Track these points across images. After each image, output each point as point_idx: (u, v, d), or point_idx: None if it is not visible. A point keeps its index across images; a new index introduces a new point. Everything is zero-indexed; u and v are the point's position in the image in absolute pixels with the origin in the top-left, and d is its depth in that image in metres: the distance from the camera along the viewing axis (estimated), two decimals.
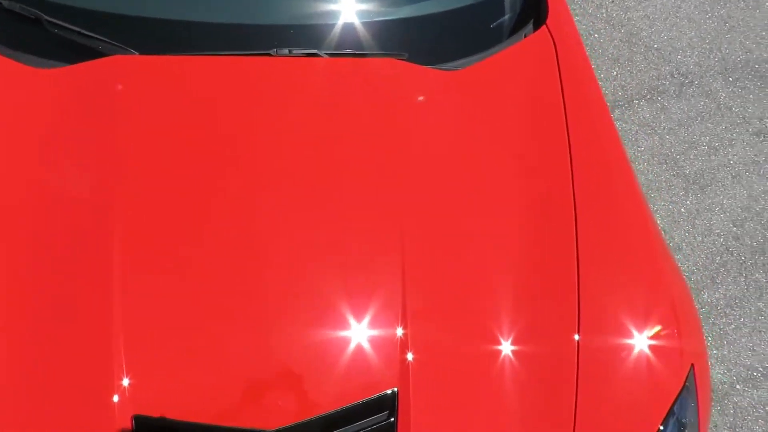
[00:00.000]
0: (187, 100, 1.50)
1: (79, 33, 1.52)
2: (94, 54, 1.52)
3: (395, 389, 1.24)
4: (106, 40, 1.52)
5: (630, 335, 1.32)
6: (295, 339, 1.28)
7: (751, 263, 2.42)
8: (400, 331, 1.29)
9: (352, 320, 1.30)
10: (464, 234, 1.40)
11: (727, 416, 2.13)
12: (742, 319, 2.30)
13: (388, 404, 1.25)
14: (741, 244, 2.45)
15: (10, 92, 1.50)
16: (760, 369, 2.23)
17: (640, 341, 1.32)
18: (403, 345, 1.28)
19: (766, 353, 2.25)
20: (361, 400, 1.24)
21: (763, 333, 2.29)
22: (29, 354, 1.25)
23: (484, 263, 1.38)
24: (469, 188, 1.45)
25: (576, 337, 1.30)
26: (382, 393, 1.24)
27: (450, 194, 1.44)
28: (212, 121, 1.47)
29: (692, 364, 1.32)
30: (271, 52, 1.54)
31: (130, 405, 1.22)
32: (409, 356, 1.27)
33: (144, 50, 1.54)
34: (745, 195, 2.54)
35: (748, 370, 2.21)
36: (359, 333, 1.29)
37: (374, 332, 1.29)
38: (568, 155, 1.47)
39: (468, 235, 1.40)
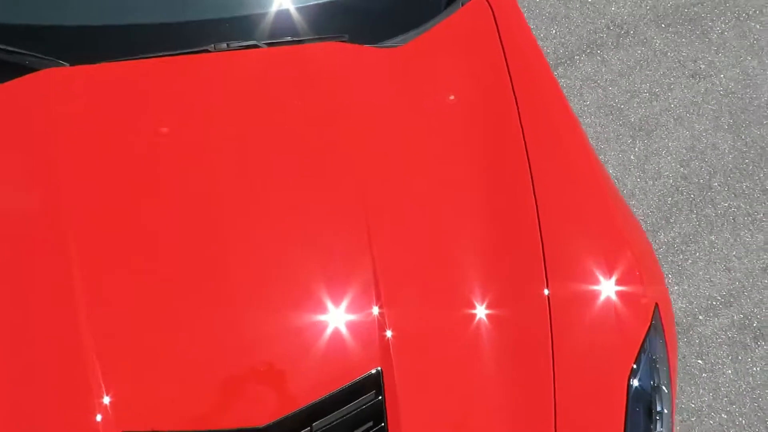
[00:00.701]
0: (129, 106, 1.48)
1: (3, 50, 1.47)
2: (20, 71, 1.46)
3: (379, 368, 1.27)
4: (33, 54, 1.47)
5: (595, 282, 1.39)
6: (271, 329, 1.29)
7: (701, 200, 2.54)
8: (376, 311, 1.31)
9: (325, 304, 1.32)
10: (425, 206, 1.44)
11: (693, 346, 2.26)
12: (697, 254, 2.43)
13: (373, 384, 1.28)
14: (689, 183, 2.57)
15: None
16: (719, 298, 2.36)
17: (606, 287, 1.39)
18: (381, 324, 1.30)
19: (722, 282, 2.39)
20: (346, 384, 1.26)
21: (717, 264, 2.42)
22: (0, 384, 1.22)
23: (449, 231, 1.42)
24: (424, 160, 1.49)
25: (546, 291, 1.37)
26: (367, 374, 1.27)
27: (406, 168, 1.48)
28: (157, 123, 1.45)
29: (656, 303, 1.40)
30: (209, 48, 1.51)
31: (115, 423, 1.20)
32: (389, 333, 1.30)
33: (75, 61, 1.48)
34: (688, 135, 2.66)
35: (707, 300, 2.35)
36: (335, 316, 1.31)
37: (350, 315, 1.32)
38: (518, 117, 1.52)
39: (429, 205, 1.44)
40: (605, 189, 1.51)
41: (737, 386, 2.23)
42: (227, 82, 1.52)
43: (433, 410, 1.28)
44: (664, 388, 1.35)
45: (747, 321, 2.34)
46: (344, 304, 1.32)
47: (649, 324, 1.37)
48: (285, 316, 1.30)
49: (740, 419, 2.19)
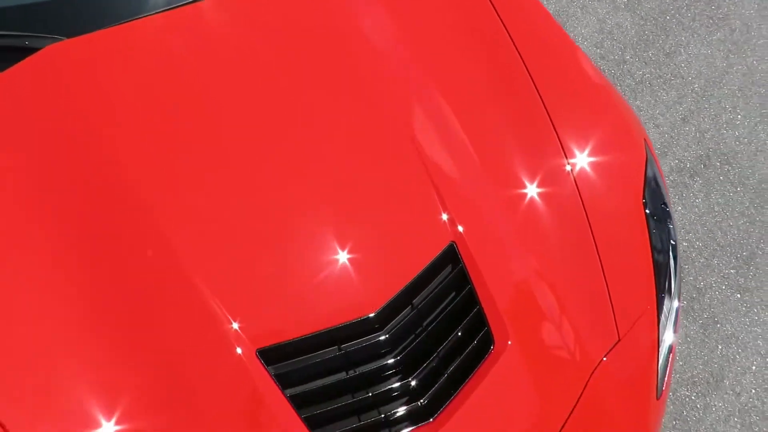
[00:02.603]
0: (146, 64, 1.51)
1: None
2: (16, 54, 1.46)
3: (452, 242, 1.44)
4: (28, 34, 1.47)
5: (601, 144, 1.63)
6: (353, 229, 1.40)
7: (620, 73, 2.89)
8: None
9: (394, 208, 1.46)
10: (448, 109, 1.61)
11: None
12: None
13: (452, 258, 1.45)
14: (607, 61, 2.91)
15: None
16: (656, 151, 2.73)
17: (608, 145, 1.65)
18: (444, 205, 1.46)
19: (654, 138, 2.75)
20: (429, 262, 1.41)
21: (648, 123, 2.79)
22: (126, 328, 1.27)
23: (479, 126, 1.60)
24: (434, 70, 1.64)
25: (565, 161, 1.59)
26: (446, 248, 1.44)
27: (419, 79, 1.62)
28: (176, 77, 1.50)
29: (644, 138, 1.70)
30: None
31: (250, 344, 1.27)
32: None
33: (69, 33, 1.47)
34: (595, 21, 2.99)
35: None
36: (406, 217, 1.46)
37: (417, 215, 1.47)
38: (499, 20, 1.73)
39: (452, 107, 1.61)
40: (589, 68, 1.74)
41: (688, 218, 2.62)
42: (236, 25, 1.58)
43: (508, 270, 1.48)
44: (668, 209, 1.66)
45: (681, 164, 2.73)
46: (409, 207, 1.47)
47: (645, 157, 1.67)
48: (360, 216, 1.43)
49: (697, 243, 2.58)
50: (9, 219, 1.37)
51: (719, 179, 2.72)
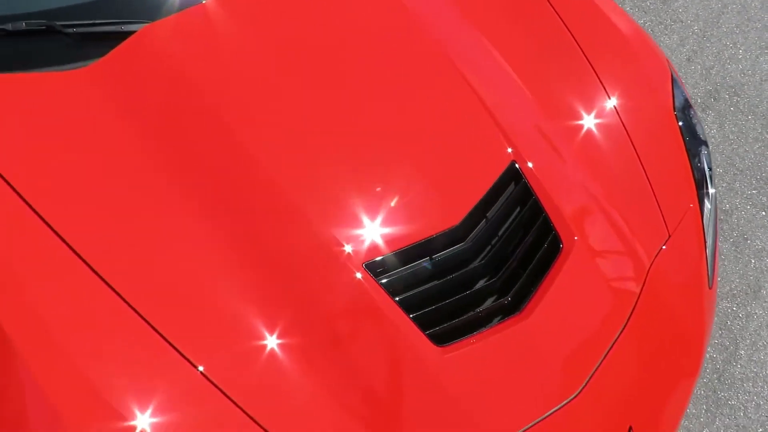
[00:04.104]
0: (234, 36, 1.65)
1: (93, 24, 1.58)
2: (110, 41, 1.58)
3: (513, 161, 1.59)
4: (123, 20, 1.59)
5: (632, 67, 1.81)
6: (427, 155, 1.56)
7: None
8: (503, 141, 1.60)
9: (458, 136, 1.61)
10: (495, 52, 1.78)
11: None
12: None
13: (514, 175, 1.60)
14: None
15: (52, 98, 1.53)
16: None
17: (638, 68, 1.83)
18: (510, 144, 1.61)
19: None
20: (496, 179, 1.56)
21: None
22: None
23: (524, 65, 1.76)
24: (480, 22, 1.82)
25: (607, 97, 1.76)
26: (508, 167, 1.59)
27: (468, 29, 1.80)
28: (263, 40, 1.64)
29: (667, 61, 1.88)
30: None
31: (357, 261, 1.41)
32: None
33: (152, 18, 1.60)
34: None
35: None
36: (470, 143, 1.62)
37: (480, 141, 1.62)
38: None
39: (498, 50, 1.78)
40: (612, 10, 1.91)
41: None
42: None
43: (565, 181, 1.64)
44: (697, 120, 1.84)
45: (692, 100, 2.90)
46: (473, 143, 1.62)
47: (671, 76, 1.85)
48: (433, 143, 1.59)
49: (718, 170, 2.75)
50: (153, 177, 1.49)
51: (730, 110, 2.89)
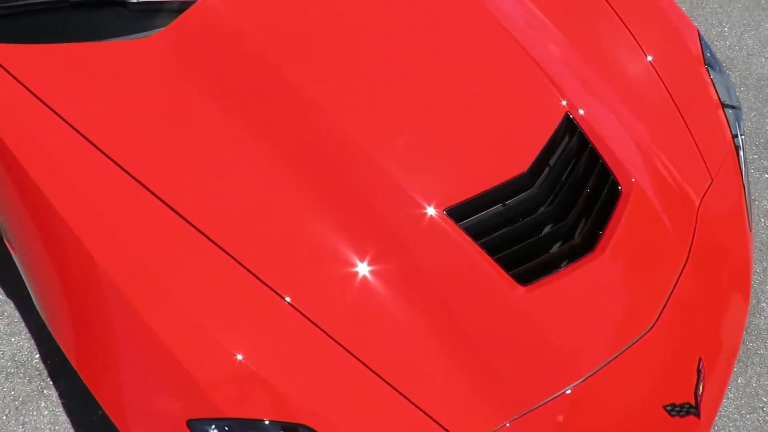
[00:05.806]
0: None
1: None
2: (170, 13, 1.61)
3: (567, 112, 1.67)
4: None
5: (663, 35, 1.94)
6: (489, 110, 1.63)
7: None
8: (557, 94, 1.68)
9: (515, 92, 1.69)
10: (538, 13, 1.90)
11: None
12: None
13: (570, 126, 1.68)
14: None
15: (124, 65, 1.57)
16: None
17: (669, 33, 1.96)
18: (564, 97, 1.69)
19: None
20: (555, 130, 1.64)
21: None
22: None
23: (566, 25, 1.88)
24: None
25: (648, 58, 1.89)
26: (563, 118, 1.66)
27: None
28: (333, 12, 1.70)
29: (697, 29, 2.03)
30: None
31: (438, 206, 1.47)
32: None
33: None
34: None
35: None
36: (526, 98, 1.69)
37: (535, 96, 1.69)
38: None
39: (541, 11, 1.90)
40: None
41: None
42: None
43: (615, 129, 1.72)
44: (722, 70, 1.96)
45: None
46: (530, 101, 1.70)
47: (698, 32, 1.97)
48: (494, 99, 1.66)
49: None
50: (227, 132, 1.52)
51: None
